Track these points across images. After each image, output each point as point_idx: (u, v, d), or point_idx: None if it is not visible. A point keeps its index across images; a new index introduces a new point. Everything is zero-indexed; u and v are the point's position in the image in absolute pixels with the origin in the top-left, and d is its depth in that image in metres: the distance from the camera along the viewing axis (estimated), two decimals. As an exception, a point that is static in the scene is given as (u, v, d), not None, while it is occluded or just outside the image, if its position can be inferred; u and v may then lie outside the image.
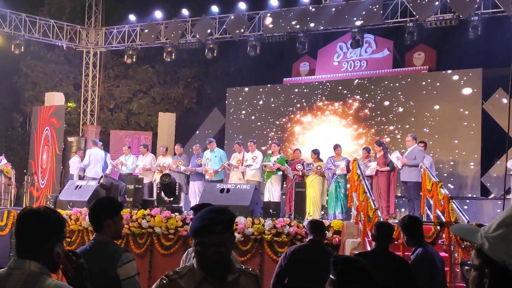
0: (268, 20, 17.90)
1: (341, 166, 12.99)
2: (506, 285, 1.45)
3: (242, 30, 18.28)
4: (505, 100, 15.21)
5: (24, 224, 2.74)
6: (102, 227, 4.26)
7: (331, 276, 2.62)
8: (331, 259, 2.67)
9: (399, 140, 16.80)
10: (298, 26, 17.55)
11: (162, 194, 12.63)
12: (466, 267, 1.60)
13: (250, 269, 3.06)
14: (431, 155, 14.46)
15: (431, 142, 15.51)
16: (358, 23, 16.78)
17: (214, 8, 18.84)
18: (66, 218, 12.26)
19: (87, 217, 11.62)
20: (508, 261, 1.45)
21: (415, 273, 5.36)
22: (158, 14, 19.72)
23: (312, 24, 17.43)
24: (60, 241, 2.76)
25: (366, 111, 17.73)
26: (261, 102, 19.42)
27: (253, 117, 19.47)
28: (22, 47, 19.32)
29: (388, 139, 16.89)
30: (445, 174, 15.85)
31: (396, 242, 8.15)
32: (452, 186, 15.61)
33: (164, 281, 2.78)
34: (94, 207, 4.34)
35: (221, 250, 2.78)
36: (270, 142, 16.16)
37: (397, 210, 14.68)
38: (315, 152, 13.66)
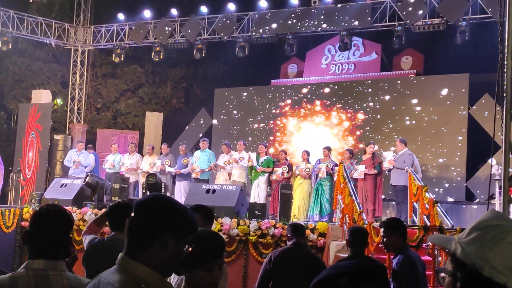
0: (257, 22, 17.91)
1: (322, 169, 13.03)
2: (476, 286, 1.48)
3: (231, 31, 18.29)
4: (491, 106, 15.29)
5: (47, 224, 2.74)
6: (123, 227, 4.44)
7: None
8: None
9: (386, 143, 16.83)
10: (286, 28, 17.58)
11: (148, 193, 12.57)
12: (442, 274, 1.62)
13: None
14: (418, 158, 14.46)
15: (413, 146, 15.50)
16: (346, 26, 16.84)
17: (203, 9, 18.84)
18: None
19: (73, 214, 11.60)
20: (478, 264, 1.47)
21: (397, 277, 5.37)
22: (147, 13, 19.69)
23: (300, 27, 17.47)
24: None
25: (353, 114, 17.76)
26: (248, 103, 19.41)
27: (240, 118, 19.45)
28: (10, 44, 19.20)
29: (374, 142, 16.91)
30: (431, 178, 15.89)
31: (380, 245, 8.17)
32: (437, 190, 15.66)
33: None
34: (115, 208, 4.89)
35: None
36: (257, 143, 16.15)
37: (384, 213, 14.71)
38: (308, 153, 13.71)
